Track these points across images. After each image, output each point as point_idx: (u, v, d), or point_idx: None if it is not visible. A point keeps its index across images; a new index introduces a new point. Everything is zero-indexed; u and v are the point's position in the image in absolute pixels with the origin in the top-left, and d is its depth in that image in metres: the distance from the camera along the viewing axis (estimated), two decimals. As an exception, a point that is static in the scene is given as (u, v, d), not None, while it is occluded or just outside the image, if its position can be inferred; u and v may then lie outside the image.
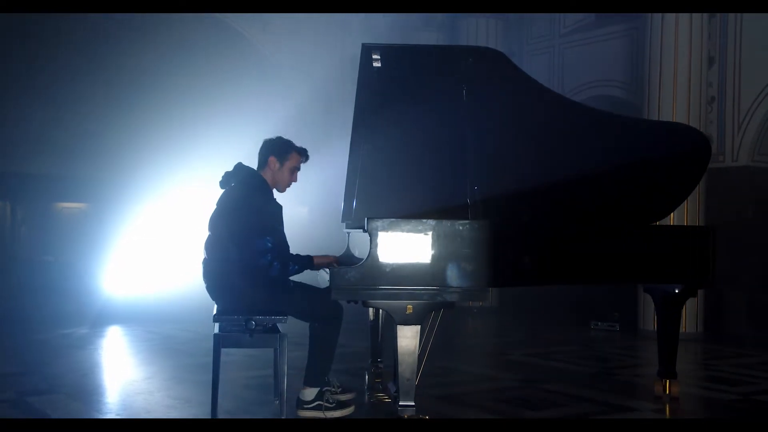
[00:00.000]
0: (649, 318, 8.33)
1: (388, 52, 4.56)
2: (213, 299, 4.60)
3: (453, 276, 4.01)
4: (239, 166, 4.57)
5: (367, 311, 5.07)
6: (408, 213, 4.46)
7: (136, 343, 7.35)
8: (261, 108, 10.47)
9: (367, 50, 4.57)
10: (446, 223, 4.03)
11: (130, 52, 11.06)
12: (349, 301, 4.18)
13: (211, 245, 4.48)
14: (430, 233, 4.03)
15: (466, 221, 4.06)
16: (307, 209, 10.94)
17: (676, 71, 8.22)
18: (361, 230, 5.11)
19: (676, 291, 4.94)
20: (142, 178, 10.86)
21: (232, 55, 11.11)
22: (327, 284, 4.59)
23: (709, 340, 8.14)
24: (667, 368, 5.12)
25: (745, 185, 8.75)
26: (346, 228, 5.35)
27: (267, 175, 4.50)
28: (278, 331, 4.42)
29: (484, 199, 4.18)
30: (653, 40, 8.37)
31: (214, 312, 4.48)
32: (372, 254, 3.99)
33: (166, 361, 6.29)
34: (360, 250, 4.81)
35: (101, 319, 8.68)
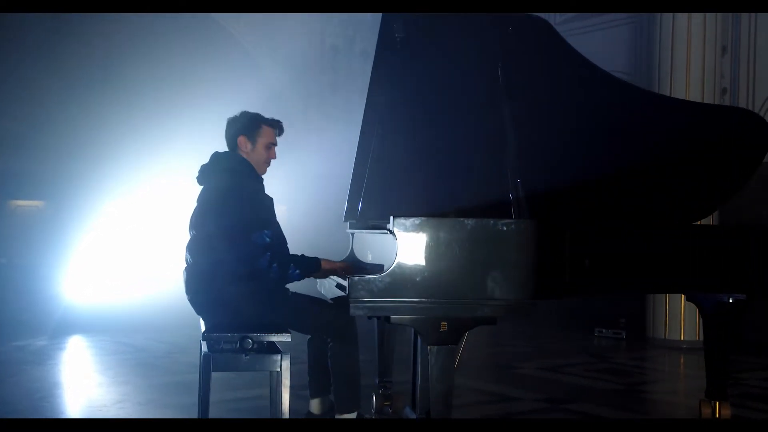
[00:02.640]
0: (659, 326, 7.77)
1: (413, 23, 3.88)
2: (198, 313, 3.89)
3: (495, 286, 3.34)
4: (217, 156, 3.87)
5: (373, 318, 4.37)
6: (432, 211, 3.80)
7: (104, 357, 6.56)
8: (236, 98, 9.71)
9: (387, 22, 3.90)
10: (487, 223, 3.36)
11: (89, 39, 10.20)
12: (370, 317, 3.50)
13: (195, 247, 3.77)
14: (469, 235, 3.35)
15: (511, 220, 3.40)
16: (285, 207, 10.20)
17: (689, 61, 7.68)
18: (369, 230, 4.47)
19: (730, 300, 4.34)
20: (105, 173, 9.95)
21: (203, 42, 10.30)
22: (335, 294, 3.95)
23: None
24: (717, 388, 4.49)
25: (759, 183, 8.22)
26: (350, 228, 4.67)
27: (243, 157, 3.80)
28: (279, 351, 3.73)
29: (529, 195, 3.51)
30: (663, 28, 7.82)
31: (202, 329, 3.76)
32: (399, 260, 3.30)
33: (141, 380, 5.53)
34: (374, 254, 4.13)
35: (61, 328, 7.84)
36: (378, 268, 4.09)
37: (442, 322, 3.35)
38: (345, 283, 3.76)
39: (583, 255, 3.43)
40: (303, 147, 9.64)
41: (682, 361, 7.03)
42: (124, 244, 9.38)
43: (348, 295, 3.31)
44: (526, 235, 3.37)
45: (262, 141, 3.80)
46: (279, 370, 3.67)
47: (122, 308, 8.64)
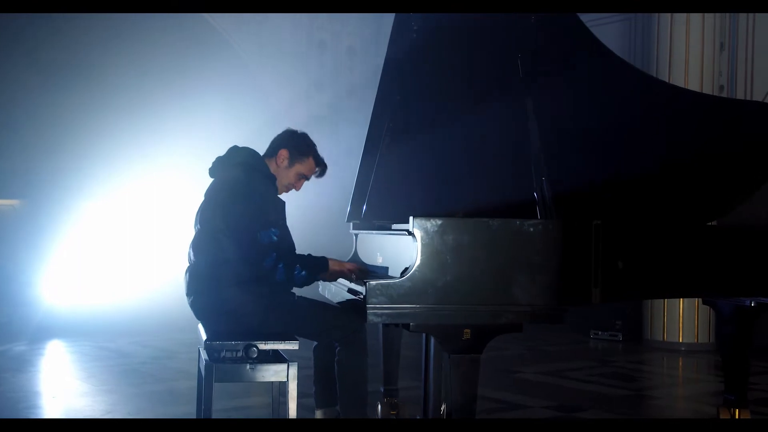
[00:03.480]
0: (657, 328, 7.62)
1: (427, 23, 3.67)
2: (199, 318, 3.63)
3: (521, 291, 3.13)
4: (235, 150, 3.63)
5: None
6: (446, 212, 3.59)
7: (87, 364, 6.26)
8: (221, 95, 9.44)
9: (402, 21, 3.68)
10: (513, 224, 3.15)
11: (68, 35, 9.85)
12: (387, 324, 3.27)
13: (200, 244, 3.51)
14: (494, 236, 3.14)
15: (537, 221, 3.19)
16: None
17: (687, 57, 7.54)
18: (374, 231, 4.25)
19: (752, 304, 4.16)
20: (85, 171, 9.59)
21: (187, 37, 9.99)
22: (342, 298, 3.72)
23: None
24: (738, 396, 4.32)
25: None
26: (354, 229, 4.44)
27: (270, 168, 3.58)
28: (285, 360, 3.49)
29: (555, 194, 3.29)
30: (662, 25, 7.68)
31: (203, 336, 3.50)
32: (420, 264, 3.07)
33: (128, 388, 5.25)
34: (384, 256, 3.90)
35: (41, 333, 7.52)
36: (382, 271, 3.88)
37: (465, 330, 3.13)
38: (356, 286, 3.55)
39: (616, 256, 3.23)
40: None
41: (682, 363, 6.89)
42: (104, 245, 9.04)
43: (365, 301, 3.07)
44: (554, 236, 3.16)
45: (299, 168, 3.61)
46: (286, 380, 3.45)
47: (103, 311, 8.30)
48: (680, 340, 7.52)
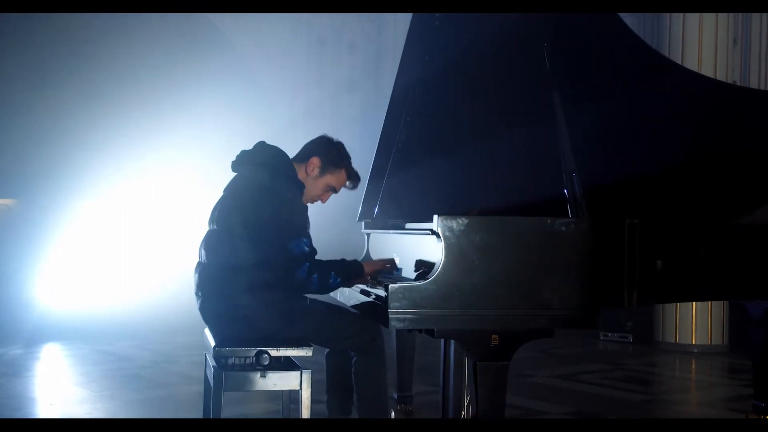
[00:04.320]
0: (669, 329, 7.43)
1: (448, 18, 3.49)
2: (207, 321, 3.43)
3: (553, 294, 2.94)
4: (263, 147, 3.43)
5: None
6: (467, 210, 3.40)
7: (85, 368, 6.04)
8: (220, 91, 9.23)
9: (421, 19, 3.50)
10: (544, 223, 2.96)
11: (61, 34, 9.61)
12: (410, 330, 3.08)
13: (215, 244, 3.31)
14: (524, 236, 2.95)
15: (570, 219, 3.00)
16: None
17: (700, 53, 7.35)
18: (387, 231, 4.05)
19: (786, 306, 3.98)
20: (82, 170, 9.35)
21: (185, 33, 9.77)
22: (357, 301, 3.53)
23: (736, 354, 7.27)
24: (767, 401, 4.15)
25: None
26: (366, 228, 4.25)
27: (299, 175, 3.38)
28: (298, 367, 3.29)
29: (587, 191, 3.09)
30: (674, 21, 7.49)
31: (212, 342, 3.30)
32: (445, 265, 2.88)
33: (129, 394, 5.04)
34: (402, 256, 3.70)
35: (36, 336, 7.29)
36: (397, 272, 3.69)
37: (493, 336, 2.94)
38: (373, 289, 3.36)
39: (654, 257, 3.04)
40: (289, 143, 9.15)
41: (698, 366, 6.71)
42: (101, 245, 8.81)
43: (386, 305, 2.88)
44: (588, 235, 2.98)
45: (329, 179, 3.41)
46: (299, 388, 3.25)
47: (100, 314, 8.06)
48: (693, 342, 7.33)
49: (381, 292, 3.21)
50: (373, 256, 4.22)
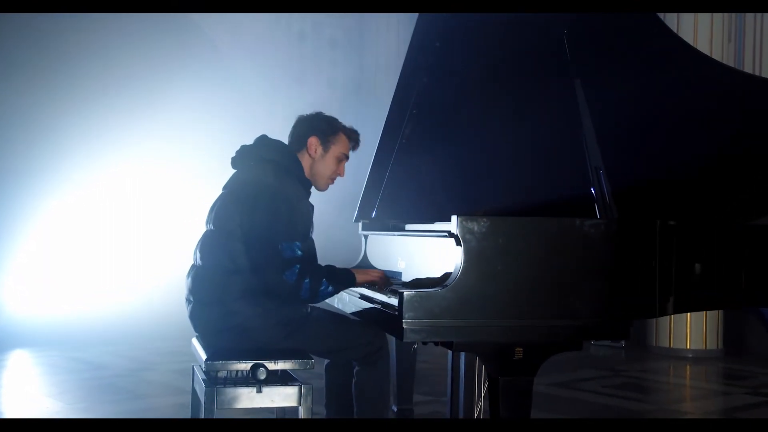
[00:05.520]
0: (663, 334, 7.23)
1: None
2: (198, 330, 3.14)
3: (582, 302, 2.69)
4: (266, 141, 3.15)
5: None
6: (481, 209, 3.14)
7: (57, 377, 5.68)
8: (196, 87, 8.88)
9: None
10: (573, 224, 2.70)
11: (29, 27, 9.18)
12: (425, 342, 2.80)
13: (210, 246, 3.02)
14: (550, 238, 2.69)
15: (600, 220, 2.74)
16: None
17: (695, 49, 7.16)
18: (386, 233, 3.79)
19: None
20: (50, 169, 8.93)
21: (161, 26, 9.40)
22: (357, 308, 3.26)
23: (731, 359, 7.09)
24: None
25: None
26: (363, 230, 3.98)
27: (304, 163, 3.09)
28: (297, 381, 3.01)
29: (616, 190, 2.84)
30: (668, 17, 7.29)
31: (202, 354, 3.00)
32: (465, 271, 2.61)
33: (107, 406, 4.70)
34: (408, 261, 3.43)
35: (3, 342, 6.88)
36: (395, 276, 3.43)
37: (517, 348, 2.68)
38: (378, 295, 3.09)
39: (692, 261, 2.80)
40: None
41: (695, 373, 6.51)
42: (71, 246, 8.39)
43: (400, 314, 2.60)
44: (620, 238, 2.73)
45: (335, 149, 3.15)
46: (298, 405, 2.97)
47: (71, 318, 7.65)
48: (688, 347, 7.15)
49: (388, 299, 2.94)
50: (371, 261, 3.95)
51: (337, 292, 3.02)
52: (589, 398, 5.25)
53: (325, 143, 3.12)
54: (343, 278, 2.98)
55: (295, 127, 3.21)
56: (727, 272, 2.92)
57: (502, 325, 2.63)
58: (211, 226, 3.04)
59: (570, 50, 3.04)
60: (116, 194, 8.34)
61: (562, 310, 2.67)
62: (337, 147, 3.14)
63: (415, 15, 3.43)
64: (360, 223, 3.96)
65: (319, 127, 3.14)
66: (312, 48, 10.33)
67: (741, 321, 7.42)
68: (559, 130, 3.07)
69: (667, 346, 7.20)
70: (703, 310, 3.12)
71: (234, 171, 3.17)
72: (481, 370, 3.51)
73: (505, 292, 2.63)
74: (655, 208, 2.93)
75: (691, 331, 7.15)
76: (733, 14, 7.58)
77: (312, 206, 3.07)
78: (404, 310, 2.58)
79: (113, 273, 8.10)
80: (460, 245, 2.62)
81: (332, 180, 3.19)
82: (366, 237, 3.98)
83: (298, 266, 2.83)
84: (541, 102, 3.17)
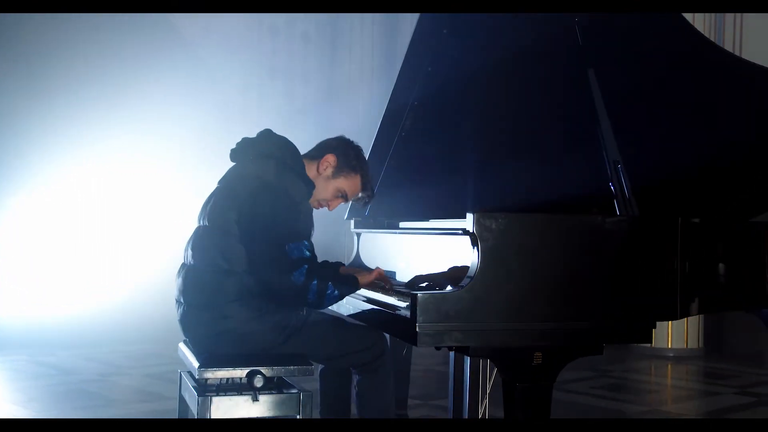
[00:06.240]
0: (661, 334, 7.13)
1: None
2: (188, 335, 2.93)
3: (604, 304, 2.55)
4: (269, 136, 2.95)
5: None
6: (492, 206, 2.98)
7: (23, 383, 5.39)
8: (167, 82, 8.60)
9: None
10: (594, 221, 2.56)
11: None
12: (438, 348, 2.63)
13: (205, 244, 2.81)
14: (570, 236, 2.54)
15: (621, 217, 2.59)
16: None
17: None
18: (381, 231, 3.62)
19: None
20: (8, 166, 8.59)
21: (129, 21, 9.08)
22: (355, 311, 3.09)
23: (712, 357, 7.04)
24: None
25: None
26: (355, 228, 3.80)
27: (308, 173, 2.90)
28: (295, 388, 2.82)
29: (636, 185, 2.70)
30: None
31: (194, 362, 2.80)
32: (482, 271, 2.45)
33: (80, 414, 4.42)
34: (408, 260, 3.26)
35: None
36: (390, 276, 3.26)
37: (536, 353, 2.53)
38: (381, 296, 2.92)
39: (717, 261, 2.67)
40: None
41: (680, 372, 6.46)
42: (36, 246, 8.07)
43: (413, 318, 2.43)
44: (642, 236, 2.58)
45: (342, 183, 2.96)
46: (297, 415, 2.79)
47: (37, 320, 7.31)
48: (669, 346, 7.10)
49: (395, 301, 2.77)
50: (364, 260, 3.77)
51: (342, 298, 2.82)
52: (579, 400, 5.13)
53: (338, 170, 2.93)
54: (348, 282, 2.79)
55: (327, 139, 3.03)
56: (750, 272, 2.79)
57: (522, 328, 2.48)
58: (206, 223, 2.83)
59: (581, 35, 2.89)
60: (83, 192, 8.02)
61: (584, 313, 2.53)
62: (345, 182, 2.95)
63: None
64: (352, 221, 3.79)
65: (345, 154, 2.95)
66: (284, 43, 10.11)
67: (721, 320, 7.39)
68: (572, 122, 2.92)
69: (649, 345, 7.12)
70: (723, 312, 2.97)
71: (228, 168, 2.97)
72: (485, 374, 3.36)
73: (525, 293, 2.48)
74: (672, 205, 2.79)
75: (672, 330, 7.09)
76: (713, 15, 7.55)
77: (311, 208, 2.89)
78: (418, 313, 2.41)
79: (80, 273, 7.78)
80: (477, 244, 2.46)
81: (318, 206, 2.99)
82: (359, 235, 3.80)
83: (306, 266, 2.64)
84: (552, 92, 3.01)
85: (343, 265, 3.19)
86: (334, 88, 10.21)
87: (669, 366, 6.69)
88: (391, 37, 10.02)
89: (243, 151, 2.90)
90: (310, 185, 2.86)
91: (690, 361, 6.85)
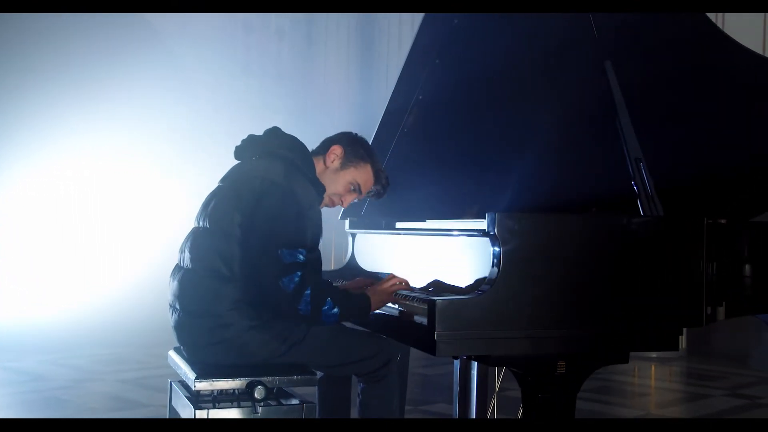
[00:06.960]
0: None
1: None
2: (183, 342, 2.74)
3: (629, 309, 2.41)
4: (277, 134, 2.76)
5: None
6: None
7: (-9, 391, 5.14)
8: (140, 78, 8.35)
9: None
10: (620, 221, 2.42)
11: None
12: (456, 357, 2.47)
13: (203, 246, 2.62)
14: (593, 237, 2.40)
15: (647, 217, 2.46)
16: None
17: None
18: (378, 231, 3.46)
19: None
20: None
21: (102, 17, 8.79)
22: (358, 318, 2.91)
23: (696, 358, 6.99)
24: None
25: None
26: (350, 228, 3.63)
27: (317, 169, 2.72)
28: (298, 398, 2.66)
29: (659, 184, 2.57)
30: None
31: (190, 373, 2.61)
32: (504, 276, 2.30)
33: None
34: (387, 261, 3.10)
35: None
36: (382, 277, 3.09)
37: (560, 362, 2.39)
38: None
39: (744, 263, 2.56)
40: (212, 132, 8.38)
41: (664, 374, 6.39)
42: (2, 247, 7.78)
43: (432, 325, 2.27)
44: (668, 238, 2.46)
45: (353, 174, 2.78)
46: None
47: (3, 326, 7.06)
48: (652, 347, 7.03)
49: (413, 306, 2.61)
50: (359, 261, 3.61)
51: (346, 319, 2.62)
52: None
53: (346, 161, 2.76)
54: (355, 305, 2.57)
55: (333, 135, 2.85)
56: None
57: (546, 335, 2.34)
58: (206, 224, 2.63)
59: (596, 27, 2.75)
60: (50, 193, 7.76)
61: (609, 319, 2.39)
62: (356, 173, 2.77)
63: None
64: (347, 221, 3.62)
65: (351, 144, 2.78)
66: (258, 39, 9.90)
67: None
68: (589, 118, 2.78)
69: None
70: (750, 315, 2.86)
71: (228, 168, 2.78)
72: (492, 380, 3.23)
73: (549, 298, 2.33)
74: (696, 205, 2.67)
75: (655, 331, 7.03)
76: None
77: (320, 212, 2.70)
78: (437, 320, 2.25)
79: (49, 276, 7.51)
80: (498, 246, 2.31)
81: (332, 203, 2.82)
82: (354, 236, 3.63)
83: (299, 273, 2.44)
84: (567, 86, 2.88)
85: (374, 293, 2.86)
86: (308, 85, 10.02)
87: (653, 367, 6.63)
88: (367, 31, 9.85)
89: (248, 148, 2.72)
90: (321, 189, 2.68)
91: (674, 363, 6.79)
